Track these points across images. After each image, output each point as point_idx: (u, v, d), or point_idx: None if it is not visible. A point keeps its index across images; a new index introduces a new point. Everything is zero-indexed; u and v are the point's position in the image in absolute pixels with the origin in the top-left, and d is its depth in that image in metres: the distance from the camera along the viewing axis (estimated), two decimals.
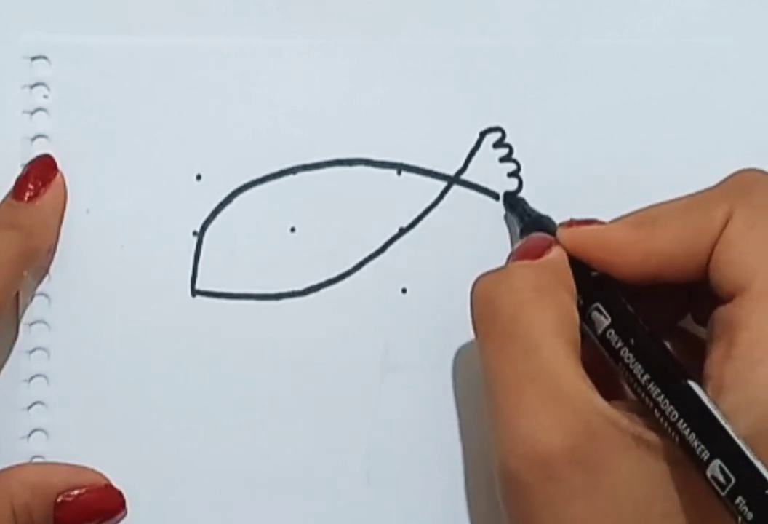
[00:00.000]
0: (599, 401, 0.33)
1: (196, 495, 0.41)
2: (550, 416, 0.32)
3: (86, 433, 0.40)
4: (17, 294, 0.40)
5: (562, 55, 0.42)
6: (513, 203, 0.41)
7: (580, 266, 0.36)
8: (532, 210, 0.41)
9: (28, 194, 0.40)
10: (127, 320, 0.41)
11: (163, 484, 0.40)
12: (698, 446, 0.31)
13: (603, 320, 0.35)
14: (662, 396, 0.32)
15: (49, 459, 0.40)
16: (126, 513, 0.40)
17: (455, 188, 0.42)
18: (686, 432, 0.31)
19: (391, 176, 0.42)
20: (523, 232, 0.40)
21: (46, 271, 0.41)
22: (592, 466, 0.31)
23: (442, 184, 0.42)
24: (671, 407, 0.32)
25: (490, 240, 0.41)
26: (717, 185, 0.36)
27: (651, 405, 0.33)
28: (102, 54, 0.41)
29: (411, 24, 0.42)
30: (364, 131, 0.41)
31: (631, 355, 0.34)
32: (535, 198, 0.42)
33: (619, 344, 0.34)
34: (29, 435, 0.40)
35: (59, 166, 0.41)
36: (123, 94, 0.41)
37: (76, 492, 0.39)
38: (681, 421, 0.31)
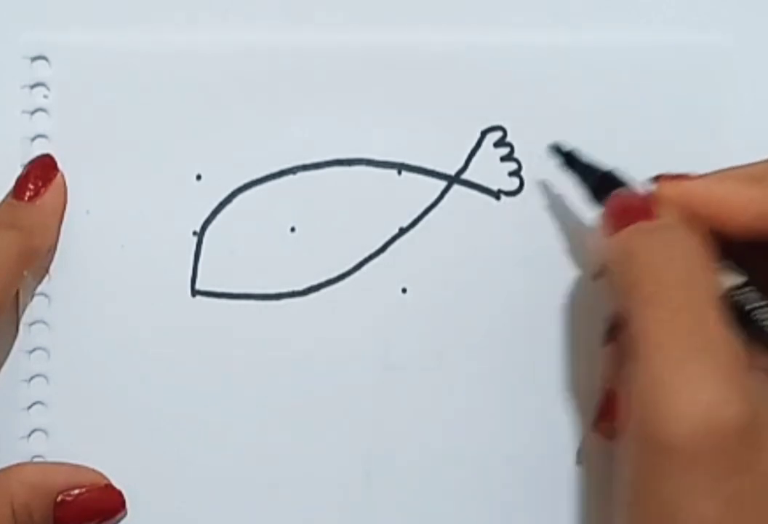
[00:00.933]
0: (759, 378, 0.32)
1: (196, 495, 0.41)
2: (727, 389, 0.31)
3: (86, 433, 0.40)
4: (17, 294, 0.41)
5: (561, 55, 0.42)
6: (570, 158, 0.39)
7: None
8: (597, 164, 0.38)
9: (28, 193, 0.40)
10: (127, 320, 0.41)
11: (163, 484, 0.41)
12: None
13: (731, 279, 0.34)
14: None
15: (49, 459, 0.40)
16: (126, 513, 0.40)
17: (456, 187, 0.42)
18: None
19: (392, 175, 0.41)
20: (599, 191, 0.38)
21: (46, 271, 0.41)
22: (760, 444, 0.31)
23: (443, 183, 0.42)
24: None
25: (491, 240, 0.41)
26: None
27: None
28: (102, 54, 0.41)
29: (411, 24, 0.42)
30: (364, 131, 0.41)
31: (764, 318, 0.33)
32: (535, 198, 0.42)
33: (755, 304, 0.33)
34: (29, 435, 0.41)
35: (59, 166, 0.41)
36: (123, 94, 0.41)
37: (76, 491, 0.39)
38: None
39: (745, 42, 0.42)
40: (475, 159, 0.42)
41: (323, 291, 0.41)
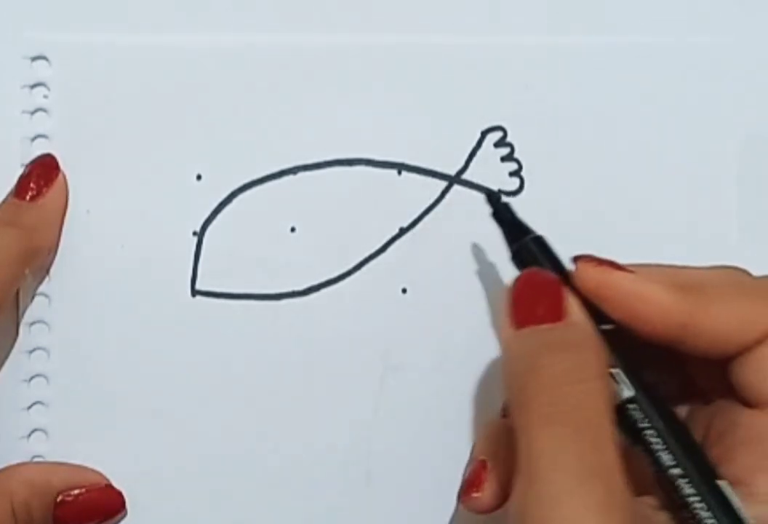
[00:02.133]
0: (643, 509, 0.31)
1: (195, 495, 0.41)
2: (609, 518, 0.29)
3: (86, 433, 0.40)
4: (17, 294, 0.41)
5: (562, 55, 0.42)
6: (500, 210, 0.37)
7: (590, 313, 0.33)
8: (523, 225, 0.37)
9: (30, 193, 0.40)
10: (127, 320, 0.41)
11: (163, 484, 0.41)
12: None
13: (623, 389, 0.32)
14: (696, 498, 0.30)
15: (49, 459, 0.40)
16: (126, 513, 0.40)
17: (456, 187, 0.42)
18: None
19: (392, 175, 0.41)
20: (517, 255, 0.36)
21: (47, 271, 0.41)
22: None
23: (443, 184, 0.42)
24: (706, 512, 0.30)
25: (491, 240, 0.41)
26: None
27: (679, 501, 0.31)
28: (102, 54, 0.41)
29: (411, 24, 0.42)
30: (364, 131, 0.41)
31: (657, 439, 0.31)
32: (536, 198, 0.42)
33: (644, 423, 0.32)
34: (29, 435, 0.41)
35: (59, 165, 0.41)
36: (123, 94, 0.41)
37: (76, 491, 0.39)
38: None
39: (745, 42, 0.42)
40: (475, 159, 0.42)
41: (323, 291, 0.41)
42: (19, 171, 0.41)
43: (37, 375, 0.41)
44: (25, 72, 0.41)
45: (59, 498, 0.38)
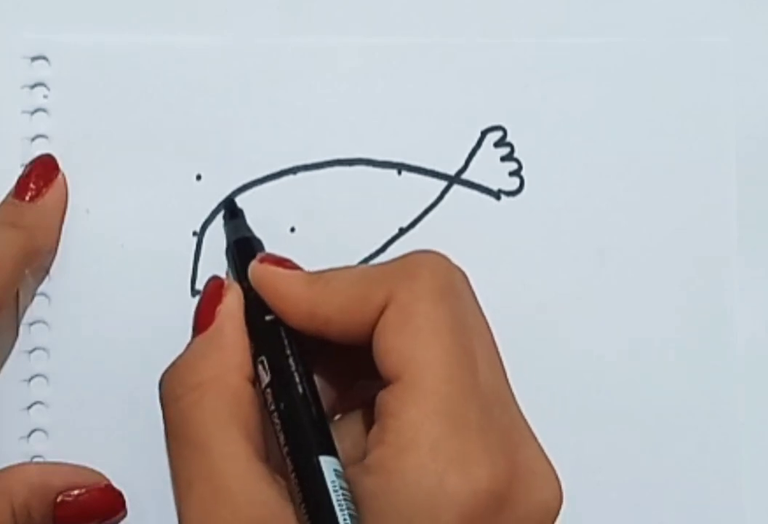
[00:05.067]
0: (266, 493, 0.32)
1: None
2: (216, 518, 0.32)
3: (86, 433, 0.40)
4: (17, 294, 0.41)
5: (562, 55, 0.42)
6: (233, 211, 0.40)
7: (260, 307, 0.36)
8: (244, 227, 0.40)
9: (29, 193, 0.40)
10: (127, 321, 0.41)
11: (163, 484, 0.40)
12: None
13: (264, 376, 0.35)
14: (294, 472, 0.32)
15: (49, 459, 0.40)
16: (126, 513, 0.40)
17: (456, 187, 0.42)
18: (303, 512, 0.31)
19: (392, 175, 0.41)
20: (229, 252, 0.39)
21: (47, 271, 0.41)
22: None
23: (443, 183, 0.42)
24: (297, 485, 0.32)
25: (491, 240, 0.41)
26: (387, 263, 0.35)
27: (292, 477, 0.33)
28: (102, 54, 0.41)
29: (411, 24, 0.42)
30: (364, 131, 0.41)
31: (278, 421, 0.34)
32: (536, 198, 0.42)
33: (272, 406, 0.34)
34: (29, 435, 0.41)
35: (59, 166, 0.41)
36: (123, 94, 0.41)
37: (76, 492, 0.39)
38: (303, 499, 0.32)
39: (744, 42, 0.42)
40: (475, 159, 0.42)
41: None
42: (19, 171, 0.41)
43: (37, 375, 0.41)
44: (25, 72, 0.41)
45: (59, 499, 0.38)
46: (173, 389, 0.35)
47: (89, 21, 0.41)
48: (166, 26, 0.42)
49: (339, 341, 0.35)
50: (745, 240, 0.42)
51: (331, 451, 0.33)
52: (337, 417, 0.37)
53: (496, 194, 0.42)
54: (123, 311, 0.41)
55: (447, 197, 0.42)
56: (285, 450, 0.33)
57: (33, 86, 0.41)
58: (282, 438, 0.33)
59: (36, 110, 0.41)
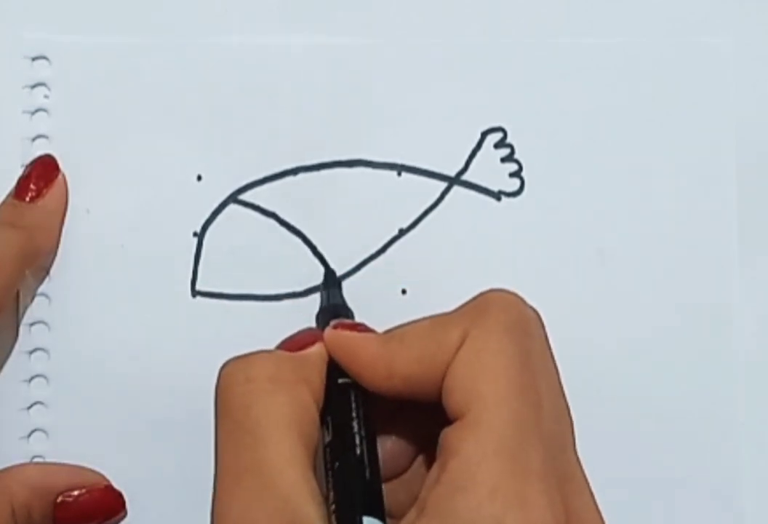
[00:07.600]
0: (312, 502, 0.32)
1: (196, 496, 0.40)
2: (260, 511, 0.31)
3: (86, 433, 0.41)
4: (17, 294, 0.41)
5: (562, 55, 0.42)
6: (330, 282, 0.41)
7: (335, 370, 0.35)
8: (337, 296, 0.40)
9: (30, 194, 0.40)
10: (127, 321, 0.41)
11: (163, 484, 0.41)
12: None
13: (326, 435, 0.34)
14: None
15: (49, 459, 0.40)
16: (126, 513, 0.40)
17: (456, 188, 0.42)
18: None
19: (392, 177, 0.41)
20: (319, 316, 0.40)
21: (47, 271, 0.41)
22: None
23: (443, 185, 0.42)
24: None
25: (491, 241, 0.41)
26: (460, 306, 0.35)
27: None
28: (102, 54, 0.41)
29: (411, 24, 0.42)
30: (364, 132, 0.41)
31: (331, 479, 0.33)
32: (536, 198, 0.42)
33: (328, 465, 0.34)
34: (29, 435, 0.41)
35: (59, 166, 0.41)
36: (123, 94, 0.41)
37: (76, 492, 0.39)
38: None
39: (744, 43, 0.42)
40: (475, 160, 0.42)
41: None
42: (19, 171, 0.41)
43: (37, 375, 0.41)
44: (26, 72, 0.41)
45: (59, 499, 0.38)
46: (241, 371, 0.34)
47: (90, 21, 0.41)
48: (166, 26, 0.42)
49: (417, 399, 0.34)
50: (745, 240, 0.42)
51: (377, 513, 0.32)
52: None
53: (497, 195, 0.42)
54: (123, 312, 0.41)
55: (447, 198, 0.42)
56: (332, 507, 0.33)
57: (33, 86, 0.41)
58: (332, 495, 0.33)
59: (36, 110, 0.41)
